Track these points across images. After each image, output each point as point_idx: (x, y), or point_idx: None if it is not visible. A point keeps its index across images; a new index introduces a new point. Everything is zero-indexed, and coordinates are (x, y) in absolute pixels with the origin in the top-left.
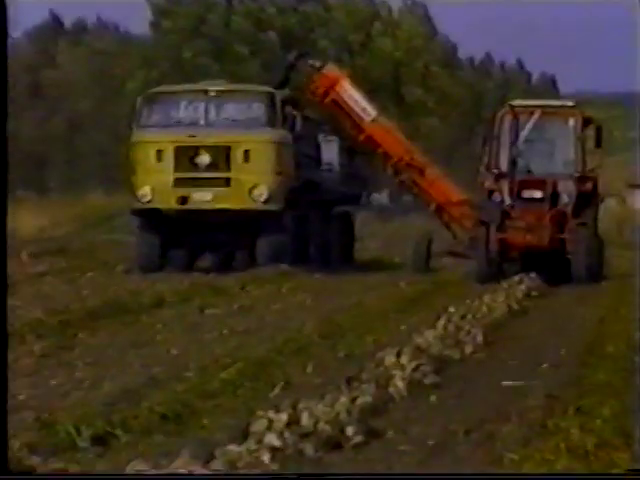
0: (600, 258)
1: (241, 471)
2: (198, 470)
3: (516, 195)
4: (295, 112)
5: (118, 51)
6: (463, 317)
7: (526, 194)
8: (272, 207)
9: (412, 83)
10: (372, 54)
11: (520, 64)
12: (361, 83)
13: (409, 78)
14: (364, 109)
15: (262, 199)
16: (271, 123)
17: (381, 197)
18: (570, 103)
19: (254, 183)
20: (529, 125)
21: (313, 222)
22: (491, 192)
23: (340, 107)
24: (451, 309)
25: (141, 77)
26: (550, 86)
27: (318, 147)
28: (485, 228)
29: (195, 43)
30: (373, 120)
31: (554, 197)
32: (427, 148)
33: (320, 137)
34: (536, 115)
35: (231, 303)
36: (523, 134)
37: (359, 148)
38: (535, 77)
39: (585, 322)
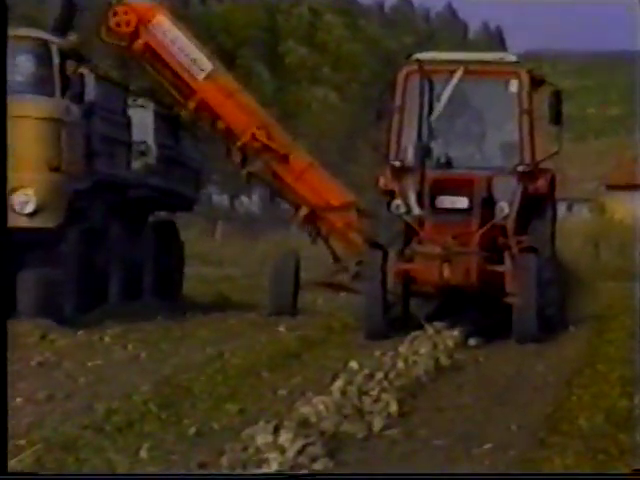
0: (560, 299)
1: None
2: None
3: (428, 202)
4: (85, 70)
5: None
6: (370, 377)
7: (443, 201)
8: (43, 223)
9: (293, 37)
10: None
11: (452, 11)
12: (221, 38)
13: (289, 30)
14: (195, 60)
15: (27, 210)
16: (44, 88)
17: (250, 202)
18: (512, 57)
19: (14, 185)
20: (448, 91)
21: (115, 240)
22: (392, 196)
23: (158, 56)
24: (352, 365)
25: None
26: (496, 42)
27: (127, 124)
28: (379, 254)
29: None
30: (208, 77)
31: (487, 205)
32: (317, 131)
33: (129, 103)
34: (458, 75)
35: (26, 358)
36: (439, 105)
37: (190, 121)
38: (474, 29)
39: (546, 384)
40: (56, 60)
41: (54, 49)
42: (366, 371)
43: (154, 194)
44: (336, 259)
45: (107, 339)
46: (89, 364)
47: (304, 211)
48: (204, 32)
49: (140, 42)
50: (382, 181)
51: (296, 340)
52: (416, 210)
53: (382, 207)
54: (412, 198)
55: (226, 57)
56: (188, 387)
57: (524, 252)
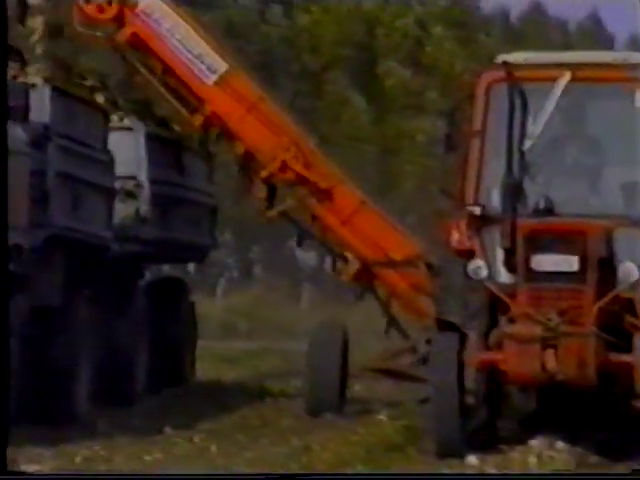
0: None
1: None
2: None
3: (523, 264)
4: (38, 80)
5: None
6: None
7: (543, 262)
8: None
9: (395, 56)
10: (320, 2)
11: (597, 20)
12: (306, 58)
13: (390, 47)
14: (202, 57)
15: None
16: None
17: (308, 256)
18: None
19: None
20: (548, 107)
21: (83, 323)
22: (470, 256)
23: (150, 52)
24: (471, 460)
25: None
26: None
27: (108, 162)
28: (453, 338)
29: None
30: (222, 81)
31: (606, 268)
32: (423, 169)
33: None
34: (563, 84)
35: (70, 451)
36: (535, 128)
37: (201, 141)
38: (622, 42)
39: None
40: None
41: None
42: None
43: (147, 249)
44: (403, 334)
45: (168, 430)
46: (146, 458)
47: (354, 266)
48: (286, 50)
49: (125, 32)
50: (455, 237)
51: (400, 431)
52: (505, 276)
53: (456, 271)
54: (499, 258)
55: (312, 80)
56: None
57: None
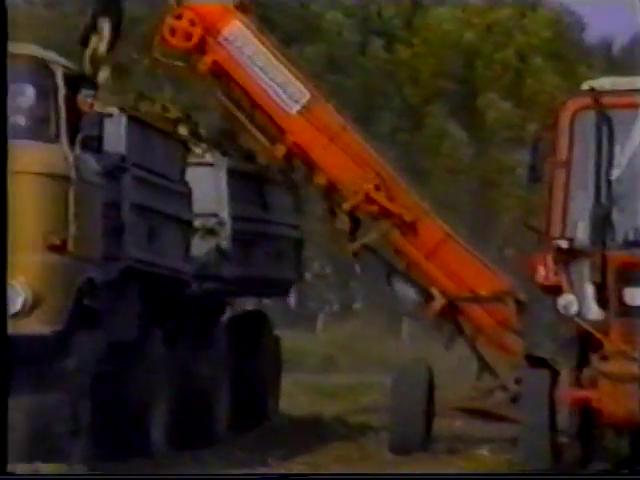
0: None
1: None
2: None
3: (615, 298)
4: (114, 109)
5: None
6: None
7: (637, 295)
8: (35, 327)
9: (495, 88)
10: (421, 35)
11: None
12: (407, 91)
13: (490, 80)
14: (284, 85)
15: (13, 310)
16: (41, 129)
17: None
18: None
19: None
20: (637, 133)
21: (159, 359)
22: (556, 292)
23: (232, 81)
24: None
25: None
26: None
27: (186, 195)
28: (545, 375)
29: None
30: (304, 111)
31: None
32: (523, 204)
33: (191, 159)
34: None
35: None
36: (623, 156)
37: (282, 175)
38: None
39: None
40: (62, 90)
41: (59, 74)
42: None
43: (228, 287)
44: (491, 372)
45: (270, 461)
46: None
47: (439, 302)
48: (387, 84)
49: (206, 61)
50: (541, 272)
51: (503, 465)
52: (596, 312)
53: (546, 306)
54: (587, 293)
55: (413, 114)
56: None
57: None
